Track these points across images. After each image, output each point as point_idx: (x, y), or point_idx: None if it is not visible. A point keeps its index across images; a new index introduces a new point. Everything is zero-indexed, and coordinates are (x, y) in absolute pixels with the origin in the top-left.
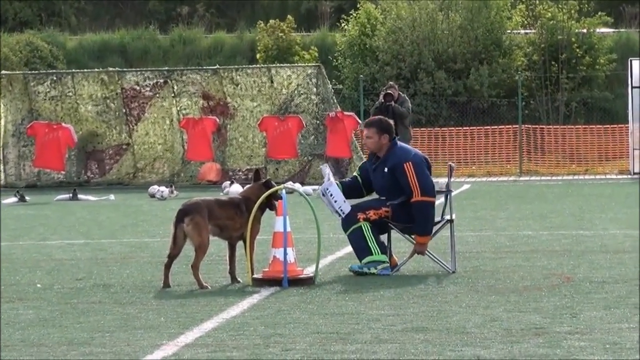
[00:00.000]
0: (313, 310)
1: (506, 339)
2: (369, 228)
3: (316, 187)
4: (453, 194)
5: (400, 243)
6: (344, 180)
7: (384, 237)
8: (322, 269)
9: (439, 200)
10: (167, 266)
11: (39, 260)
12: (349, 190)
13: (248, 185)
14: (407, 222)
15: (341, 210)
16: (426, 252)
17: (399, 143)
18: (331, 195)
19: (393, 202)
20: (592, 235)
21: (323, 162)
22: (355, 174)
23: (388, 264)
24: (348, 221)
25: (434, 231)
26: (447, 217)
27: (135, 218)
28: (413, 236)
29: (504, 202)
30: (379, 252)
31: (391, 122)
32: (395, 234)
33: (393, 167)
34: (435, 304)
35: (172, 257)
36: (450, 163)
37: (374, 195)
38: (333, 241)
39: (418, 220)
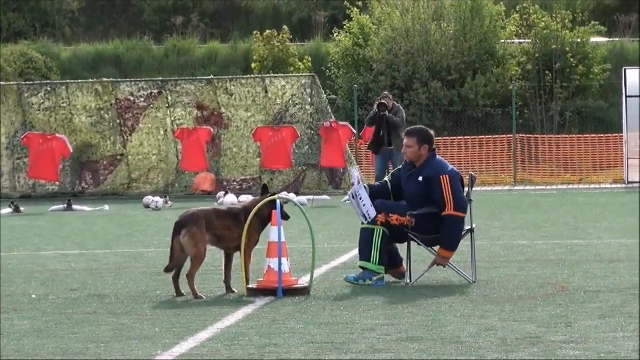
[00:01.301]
0: (308, 320)
1: (501, 349)
2: (380, 235)
3: (310, 197)
4: None
5: (418, 250)
6: (372, 184)
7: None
8: (316, 279)
9: None
10: (174, 278)
11: (33, 271)
12: (377, 194)
13: (254, 198)
14: (429, 233)
15: (368, 214)
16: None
17: (438, 156)
18: (361, 198)
19: (413, 212)
20: (587, 245)
21: (318, 171)
22: (386, 179)
23: (382, 276)
24: (367, 218)
25: None
26: (468, 227)
27: (129, 228)
28: (434, 248)
29: (498, 212)
30: (377, 263)
31: (432, 132)
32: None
33: (429, 177)
34: (430, 313)
35: (169, 269)
36: (471, 173)
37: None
38: (328, 251)
39: (447, 235)
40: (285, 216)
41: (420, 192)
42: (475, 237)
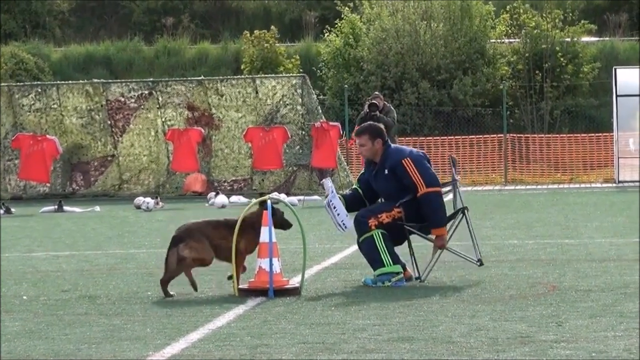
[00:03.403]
0: (299, 320)
1: (492, 348)
2: (381, 237)
3: (301, 197)
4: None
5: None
6: (344, 193)
7: (402, 249)
8: (307, 279)
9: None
10: (163, 282)
11: (24, 272)
12: (351, 203)
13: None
14: (421, 220)
15: (343, 223)
16: (447, 246)
17: (392, 145)
18: (335, 208)
19: (402, 201)
20: (578, 244)
21: (309, 171)
22: (355, 186)
23: (402, 275)
24: (360, 229)
25: (452, 225)
26: (460, 207)
27: (120, 229)
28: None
29: (489, 212)
30: (392, 263)
31: (381, 126)
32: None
33: (393, 167)
34: (421, 313)
35: (166, 282)
36: (451, 155)
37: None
38: (319, 251)
39: (429, 213)
40: (287, 224)
41: (391, 186)
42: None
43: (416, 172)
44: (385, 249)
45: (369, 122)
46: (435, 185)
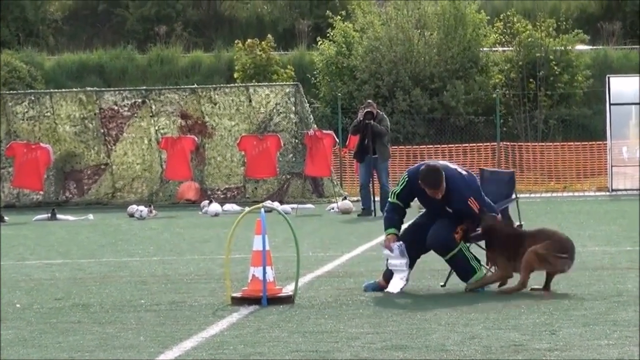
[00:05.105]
0: (292, 328)
1: (486, 357)
2: (467, 247)
3: (294, 205)
4: None
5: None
6: (398, 221)
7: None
8: (301, 287)
9: None
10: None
11: (18, 280)
12: (403, 221)
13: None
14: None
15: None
16: None
17: (449, 175)
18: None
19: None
20: None
21: (302, 179)
22: (396, 201)
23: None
24: (448, 247)
25: None
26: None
27: (114, 238)
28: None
29: None
30: (480, 268)
31: (439, 164)
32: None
33: (459, 209)
34: (414, 321)
35: None
36: (512, 169)
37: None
38: (312, 260)
39: None
40: None
41: (450, 214)
42: None
43: (481, 208)
44: (472, 256)
45: (433, 168)
46: (496, 212)
